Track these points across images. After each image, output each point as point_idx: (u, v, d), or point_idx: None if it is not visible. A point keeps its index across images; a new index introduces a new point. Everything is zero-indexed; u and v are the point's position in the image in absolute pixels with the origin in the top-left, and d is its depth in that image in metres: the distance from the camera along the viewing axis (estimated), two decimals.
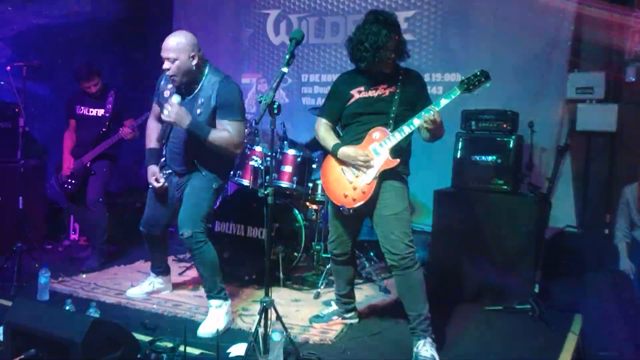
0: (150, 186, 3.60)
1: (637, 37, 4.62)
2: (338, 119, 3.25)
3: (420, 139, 3.16)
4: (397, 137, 3.00)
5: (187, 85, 3.38)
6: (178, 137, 3.47)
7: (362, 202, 3.05)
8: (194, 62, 3.30)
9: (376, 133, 3.05)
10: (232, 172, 4.28)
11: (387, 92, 3.09)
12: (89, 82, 4.61)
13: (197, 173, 3.49)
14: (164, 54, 3.29)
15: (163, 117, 3.28)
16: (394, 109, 3.05)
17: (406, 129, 2.99)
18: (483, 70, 2.96)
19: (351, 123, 3.17)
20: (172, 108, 3.22)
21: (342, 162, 3.12)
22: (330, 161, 3.22)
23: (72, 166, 4.64)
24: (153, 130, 3.70)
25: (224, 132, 3.32)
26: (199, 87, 3.38)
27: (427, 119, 2.88)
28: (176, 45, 3.26)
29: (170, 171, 3.59)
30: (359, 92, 3.13)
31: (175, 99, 3.27)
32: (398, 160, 3.02)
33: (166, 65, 3.30)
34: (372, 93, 3.11)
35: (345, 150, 3.08)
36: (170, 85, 3.46)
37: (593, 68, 4.77)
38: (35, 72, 4.63)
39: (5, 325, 2.65)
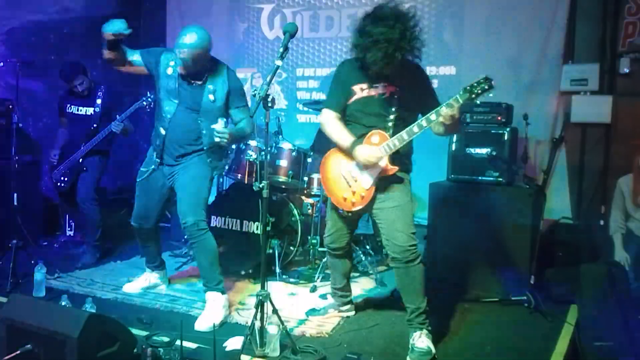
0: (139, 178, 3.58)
1: (631, 29, 4.63)
2: (343, 110, 3.13)
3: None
4: (396, 144, 2.90)
5: (194, 73, 3.46)
6: (179, 125, 3.49)
7: (360, 207, 3.04)
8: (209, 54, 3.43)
9: (375, 137, 2.97)
10: (226, 164, 4.28)
11: (387, 92, 3.00)
12: (73, 81, 4.59)
13: (192, 160, 3.52)
14: (184, 55, 3.32)
15: (219, 141, 3.25)
16: (393, 110, 2.98)
17: (405, 136, 2.90)
18: (487, 77, 2.78)
19: (351, 123, 3.10)
20: (226, 134, 3.23)
21: (342, 164, 3.08)
22: (331, 159, 3.17)
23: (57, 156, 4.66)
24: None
25: (244, 120, 3.51)
26: (206, 74, 3.47)
27: (428, 125, 2.85)
28: (200, 42, 3.31)
29: (158, 161, 3.59)
30: (361, 89, 3.04)
31: (221, 124, 3.25)
32: (397, 167, 2.96)
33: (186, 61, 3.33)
34: (374, 92, 3.02)
35: (362, 150, 2.94)
36: (172, 62, 3.50)
37: (587, 60, 4.77)
38: (29, 69, 4.62)
39: (1, 321, 2.65)
